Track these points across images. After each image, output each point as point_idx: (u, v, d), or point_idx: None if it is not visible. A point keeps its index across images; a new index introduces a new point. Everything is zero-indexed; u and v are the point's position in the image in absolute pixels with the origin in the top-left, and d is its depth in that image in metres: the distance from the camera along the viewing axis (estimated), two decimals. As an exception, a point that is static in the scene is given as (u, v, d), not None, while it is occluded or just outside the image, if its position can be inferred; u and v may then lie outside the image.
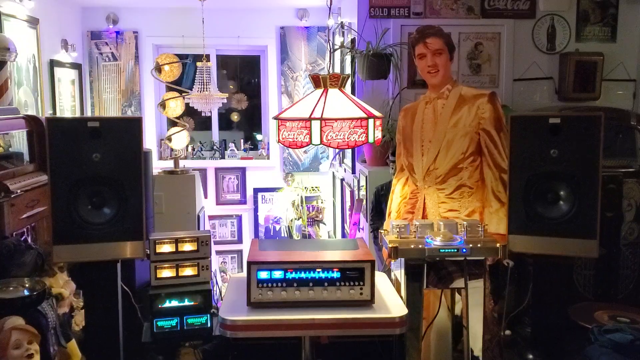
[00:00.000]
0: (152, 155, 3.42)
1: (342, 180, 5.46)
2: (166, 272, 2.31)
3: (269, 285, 2.24)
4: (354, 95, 4.45)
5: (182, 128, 3.87)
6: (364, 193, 4.27)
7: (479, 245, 2.37)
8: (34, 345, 2.05)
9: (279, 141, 2.41)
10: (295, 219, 6.03)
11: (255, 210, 6.33)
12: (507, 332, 3.45)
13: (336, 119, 2.28)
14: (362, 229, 4.38)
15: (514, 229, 2.44)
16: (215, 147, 6.45)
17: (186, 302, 2.27)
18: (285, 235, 6.25)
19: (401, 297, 2.43)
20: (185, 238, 2.34)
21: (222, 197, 6.35)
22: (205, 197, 6.23)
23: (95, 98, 6.19)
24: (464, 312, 2.50)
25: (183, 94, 4.07)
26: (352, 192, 4.84)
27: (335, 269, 2.27)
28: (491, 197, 2.73)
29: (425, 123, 2.83)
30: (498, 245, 2.36)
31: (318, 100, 2.37)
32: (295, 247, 2.46)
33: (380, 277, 2.61)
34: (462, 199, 2.78)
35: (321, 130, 2.27)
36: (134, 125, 2.35)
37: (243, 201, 6.35)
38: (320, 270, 2.26)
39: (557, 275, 2.56)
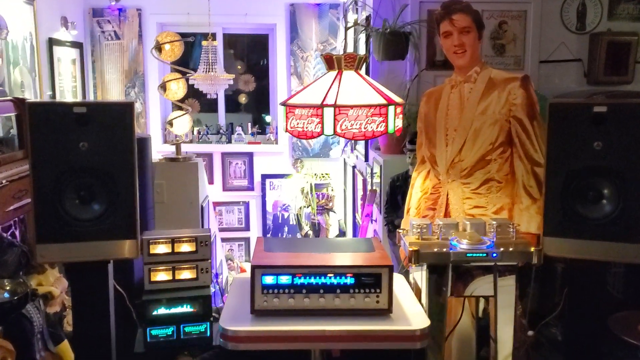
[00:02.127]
0: (150, 141, 3.19)
1: (354, 167, 5.21)
2: (162, 275, 2.08)
3: (275, 291, 2.01)
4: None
5: (184, 112, 3.62)
6: (378, 182, 4.02)
7: (510, 248, 2.12)
8: (7, 362, 1.82)
9: (287, 130, 2.16)
10: (305, 206, 5.79)
11: (263, 197, 6.10)
12: (530, 332, 3.22)
13: (352, 106, 2.02)
14: (375, 221, 4.13)
15: (550, 231, 2.17)
16: (221, 131, 6.20)
17: (183, 309, 2.04)
18: (294, 224, 6.01)
19: (421, 304, 2.19)
20: (182, 238, 2.10)
21: (229, 183, 6.11)
22: (212, 183, 6.01)
23: (97, 78, 5.95)
24: (492, 323, 2.25)
25: (186, 75, 3.81)
26: (364, 181, 4.58)
27: (348, 275, 2.02)
28: (522, 193, 2.47)
29: (451, 109, 2.56)
30: (532, 249, 2.11)
31: (331, 84, 2.11)
32: (304, 248, 2.21)
33: (397, 280, 2.37)
34: (489, 195, 2.52)
35: (335, 118, 2.01)
36: (125, 111, 2.09)
37: (250, 187, 6.12)
38: (332, 275, 2.02)
39: (591, 278, 2.29)
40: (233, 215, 6.12)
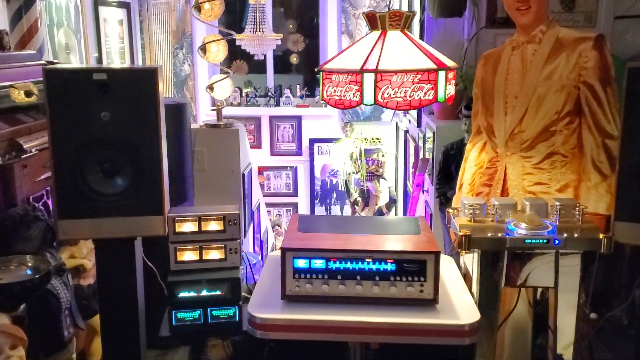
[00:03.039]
0: (187, 107, 3.04)
1: (406, 132, 4.95)
2: (188, 255, 1.95)
3: (308, 276, 1.83)
4: (422, 37, 3.88)
5: (224, 76, 3.45)
6: (430, 147, 3.76)
7: (575, 235, 1.86)
8: (18, 350, 1.72)
9: (323, 99, 1.95)
10: (354, 172, 5.58)
11: (311, 162, 5.92)
12: (593, 315, 2.96)
13: (396, 72, 1.78)
14: (427, 192, 3.89)
15: (623, 214, 1.90)
16: (269, 94, 6.01)
17: (211, 292, 1.90)
18: (343, 190, 5.83)
19: (472, 293, 1.97)
20: (210, 216, 1.95)
21: (277, 148, 5.96)
22: (259, 147, 5.88)
23: (145, 39, 5.84)
24: (552, 314, 2.01)
25: (228, 36, 3.61)
26: (416, 148, 4.33)
27: (389, 260, 1.82)
28: (590, 169, 2.19)
29: (511, 74, 2.28)
30: (601, 236, 1.84)
31: (373, 47, 1.87)
32: (341, 228, 2.02)
33: (446, 264, 2.16)
34: (553, 170, 2.24)
35: (376, 85, 1.79)
36: (148, 77, 1.93)
37: (299, 152, 5.95)
38: (370, 261, 1.82)
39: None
40: (281, 180, 5.99)
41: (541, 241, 1.84)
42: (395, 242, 1.91)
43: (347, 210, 5.91)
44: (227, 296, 1.93)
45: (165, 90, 5.73)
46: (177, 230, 1.95)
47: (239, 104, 5.90)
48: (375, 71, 1.78)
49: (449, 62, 1.89)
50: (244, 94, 6.00)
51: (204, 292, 1.92)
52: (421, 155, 4.09)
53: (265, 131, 5.91)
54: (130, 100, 1.93)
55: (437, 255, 1.81)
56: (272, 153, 5.95)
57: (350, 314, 1.79)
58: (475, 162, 2.45)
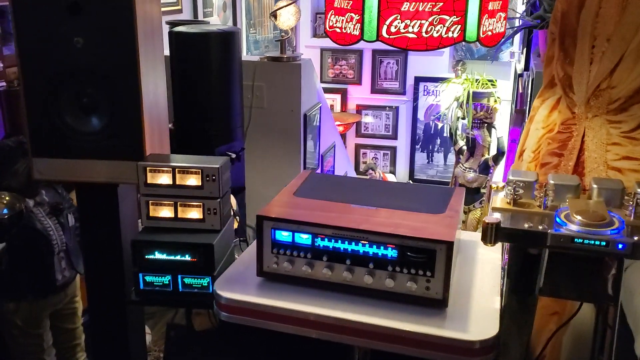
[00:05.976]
0: (239, 35, 2.71)
1: (520, 76, 4.24)
2: (165, 212, 1.67)
3: (289, 252, 1.49)
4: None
5: (290, 1, 3.04)
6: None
7: (651, 238, 1.31)
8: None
9: (326, 31, 1.52)
10: (461, 118, 4.98)
11: (415, 101, 5.38)
12: None
13: (408, -3, 1.31)
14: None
15: None
16: (375, 24, 5.49)
17: (181, 257, 1.62)
18: (447, 136, 5.26)
19: (501, 296, 1.51)
20: (187, 168, 1.64)
21: (378, 85, 5.48)
22: (359, 84, 5.44)
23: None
24: (609, 337, 1.50)
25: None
26: (520, 95, 3.67)
27: (390, 245, 1.41)
28: None
29: (605, 8, 1.67)
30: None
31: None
32: (349, 195, 1.62)
33: (487, 252, 1.70)
34: (649, 142, 1.65)
35: (380, 16, 1.33)
36: (124, -1, 1.62)
37: (402, 91, 5.42)
38: (366, 243, 1.43)
39: None
40: (380, 120, 5.53)
41: (598, 242, 1.32)
42: (403, 222, 1.48)
43: (451, 159, 5.35)
44: (199, 264, 1.63)
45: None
46: (149, 181, 1.67)
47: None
48: (380, -5, 1.32)
49: (494, -14, 1.37)
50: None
51: (174, 257, 1.64)
52: (527, 104, 3.45)
53: (367, 66, 5.43)
54: (104, 24, 1.66)
55: (449, 245, 1.37)
56: (373, 91, 5.48)
57: (331, 306, 1.43)
58: (544, 123, 1.87)
